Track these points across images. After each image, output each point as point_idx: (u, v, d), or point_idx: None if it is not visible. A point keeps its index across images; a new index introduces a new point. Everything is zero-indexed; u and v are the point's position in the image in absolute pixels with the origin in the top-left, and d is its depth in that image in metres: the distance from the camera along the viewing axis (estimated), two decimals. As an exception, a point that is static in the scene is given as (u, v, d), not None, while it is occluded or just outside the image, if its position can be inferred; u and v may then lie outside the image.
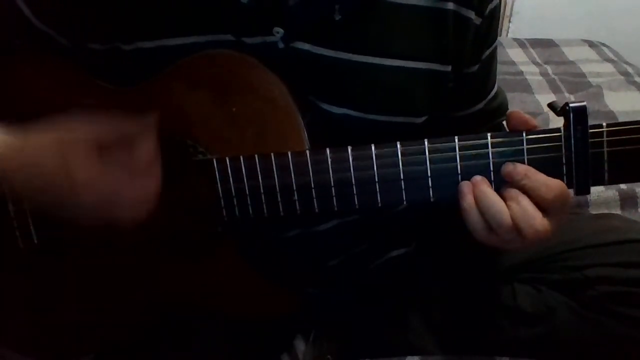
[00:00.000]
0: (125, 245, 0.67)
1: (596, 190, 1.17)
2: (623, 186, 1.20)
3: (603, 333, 0.76)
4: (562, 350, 0.79)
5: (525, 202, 0.58)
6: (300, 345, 0.82)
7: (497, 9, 0.73)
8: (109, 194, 0.58)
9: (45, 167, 0.57)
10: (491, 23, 0.73)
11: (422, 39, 0.69)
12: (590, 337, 0.77)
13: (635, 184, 1.19)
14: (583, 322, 0.77)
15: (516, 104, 1.56)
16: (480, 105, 0.79)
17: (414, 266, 0.86)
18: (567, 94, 1.64)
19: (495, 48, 0.77)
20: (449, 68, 0.71)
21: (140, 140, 0.59)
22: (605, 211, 1.13)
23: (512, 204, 0.58)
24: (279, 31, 0.65)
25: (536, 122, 0.61)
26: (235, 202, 0.63)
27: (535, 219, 0.57)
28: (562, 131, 0.58)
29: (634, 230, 0.83)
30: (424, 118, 0.73)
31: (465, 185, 0.60)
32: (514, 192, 0.59)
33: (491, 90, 0.81)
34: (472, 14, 0.69)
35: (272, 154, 0.61)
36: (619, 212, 1.13)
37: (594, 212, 1.13)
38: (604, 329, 0.76)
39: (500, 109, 0.83)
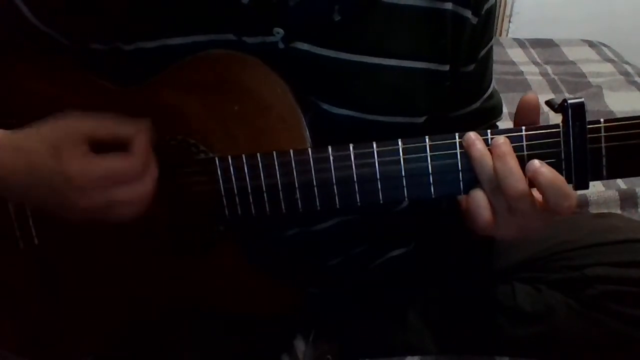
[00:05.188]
0: (127, 245, 0.67)
1: (596, 190, 1.18)
2: (623, 186, 1.20)
3: (603, 332, 0.76)
4: (561, 349, 0.79)
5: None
6: (300, 345, 0.82)
7: (493, 8, 0.73)
8: (103, 195, 0.58)
9: (40, 167, 0.57)
10: (487, 22, 0.73)
11: (420, 38, 0.69)
12: (590, 337, 0.77)
13: (636, 184, 1.19)
14: (583, 322, 0.77)
15: (516, 104, 1.55)
16: (477, 105, 0.79)
17: (414, 266, 0.86)
18: (567, 94, 1.65)
19: (491, 47, 0.78)
20: (447, 67, 0.71)
21: (136, 141, 0.60)
22: (605, 211, 1.13)
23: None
24: (279, 31, 0.65)
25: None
26: (237, 201, 0.63)
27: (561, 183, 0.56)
28: (561, 127, 0.58)
29: (634, 229, 0.83)
30: (423, 118, 0.73)
31: (472, 134, 0.59)
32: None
33: (487, 89, 0.81)
34: (468, 13, 0.70)
35: (274, 152, 0.61)
36: (618, 211, 1.14)
37: (593, 211, 1.13)
38: (604, 328, 0.76)
39: (495, 109, 0.83)
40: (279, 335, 0.81)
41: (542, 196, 0.57)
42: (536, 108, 0.60)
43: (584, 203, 1.14)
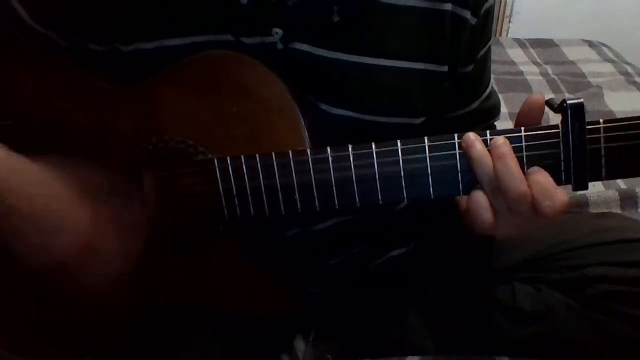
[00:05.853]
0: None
1: (596, 190, 1.18)
2: (623, 186, 1.20)
3: (603, 332, 0.76)
4: (561, 349, 0.79)
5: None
6: (300, 345, 0.82)
7: (491, 8, 0.73)
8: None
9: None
10: (486, 23, 0.73)
11: (419, 39, 0.69)
12: (589, 337, 0.77)
13: (635, 184, 1.19)
14: (583, 322, 0.77)
15: (516, 104, 1.56)
16: (475, 105, 0.79)
17: (414, 266, 0.86)
18: (567, 94, 1.65)
19: (490, 48, 0.78)
20: (446, 68, 0.71)
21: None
22: (605, 211, 1.13)
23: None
24: (277, 32, 0.65)
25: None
26: (236, 202, 0.63)
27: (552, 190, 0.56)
28: (560, 128, 0.58)
29: (634, 229, 0.83)
30: (422, 119, 0.73)
31: (472, 135, 0.58)
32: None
33: (485, 90, 0.81)
34: (467, 14, 0.70)
35: (273, 153, 0.61)
36: (618, 211, 1.14)
37: (593, 211, 1.13)
38: (604, 328, 0.76)
39: (493, 109, 0.83)
40: (279, 335, 0.81)
41: (532, 197, 0.57)
42: (541, 110, 0.59)
43: (583, 203, 1.14)
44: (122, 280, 0.64)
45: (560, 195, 0.57)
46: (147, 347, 0.72)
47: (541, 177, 0.57)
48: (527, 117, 0.59)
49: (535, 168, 0.58)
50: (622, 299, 0.76)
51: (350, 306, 0.85)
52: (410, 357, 0.81)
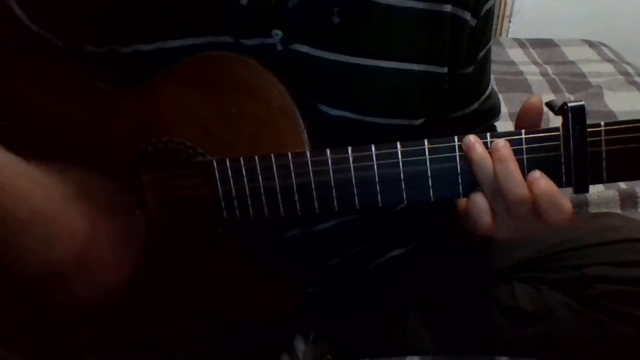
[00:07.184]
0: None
1: (596, 190, 1.18)
2: (623, 186, 1.20)
3: (602, 332, 0.77)
4: (561, 349, 0.79)
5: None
6: (300, 345, 0.82)
7: (492, 9, 0.73)
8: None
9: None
10: (486, 24, 0.73)
11: (419, 41, 0.69)
12: (589, 336, 0.77)
13: (635, 183, 1.19)
14: (582, 321, 0.77)
15: (516, 104, 1.56)
16: (475, 106, 0.79)
17: (413, 266, 0.86)
18: (567, 94, 1.65)
19: (490, 48, 0.77)
20: (445, 70, 0.71)
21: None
22: (605, 211, 1.13)
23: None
24: (277, 33, 0.65)
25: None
26: (235, 203, 0.63)
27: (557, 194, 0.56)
28: (561, 130, 0.57)
29: (634, 229, 0.83)
30: (421, 120, 0.73)
31: (472, 137, 0.58)
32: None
33: (485, 90, 0.81)
34: (467, 15, 0.70)
35: (272, 155, 0.61)
36: (618, 211, 1.14)
37: (593, 211, 1.13)
38: (604, 328, 0.77)
39: (493, 110, 0.83)
40: (279, 335, 0.81)
41: (536, 204, 0.57)
42: (540, 112, 0.59)
43: (583, 203, 1.15)
44: (119, 287, 0.64)
45: (567, 203, 0.56)
46: (147, 348, 0.72)
47: (547, 187, 0.56)
48: (526, 120, 0.59)
49: (537, 173, 0.57)
50: (622, 299, 0.76)
51: (350, 306, 0.85)
52: (410, 357, 0.82)
